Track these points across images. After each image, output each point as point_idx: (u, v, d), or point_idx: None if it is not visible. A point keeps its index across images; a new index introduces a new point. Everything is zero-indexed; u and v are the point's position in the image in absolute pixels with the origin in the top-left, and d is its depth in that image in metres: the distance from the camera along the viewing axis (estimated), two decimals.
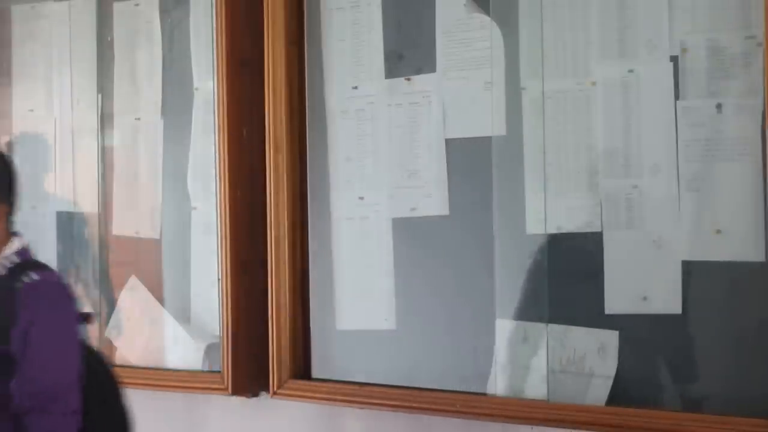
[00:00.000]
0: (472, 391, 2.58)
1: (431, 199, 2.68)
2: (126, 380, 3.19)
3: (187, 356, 3.10)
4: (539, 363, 2.52)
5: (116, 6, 3.30)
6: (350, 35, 2.84)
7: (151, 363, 3.19)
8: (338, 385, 2.78)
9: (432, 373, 2.66)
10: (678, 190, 2.38)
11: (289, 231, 2.86)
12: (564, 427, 2.47)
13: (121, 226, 3.29)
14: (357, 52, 2.82)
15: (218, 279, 2.97)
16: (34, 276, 2.19)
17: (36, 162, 3.48)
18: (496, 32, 2.61)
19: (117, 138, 3.31)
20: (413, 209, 2.71)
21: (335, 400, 2.77)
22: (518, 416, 2.50)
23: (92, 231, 3.35)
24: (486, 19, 2.63)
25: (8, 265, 2.22)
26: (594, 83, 2.48)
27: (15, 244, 2.27)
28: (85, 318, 2.47)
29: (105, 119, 3.33)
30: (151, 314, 3.20)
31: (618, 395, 2.45)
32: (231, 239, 2.94)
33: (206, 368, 3.05)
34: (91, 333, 3.34)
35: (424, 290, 2.70)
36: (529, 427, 2.51)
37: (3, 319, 2.11)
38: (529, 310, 2.53)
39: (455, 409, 2.57)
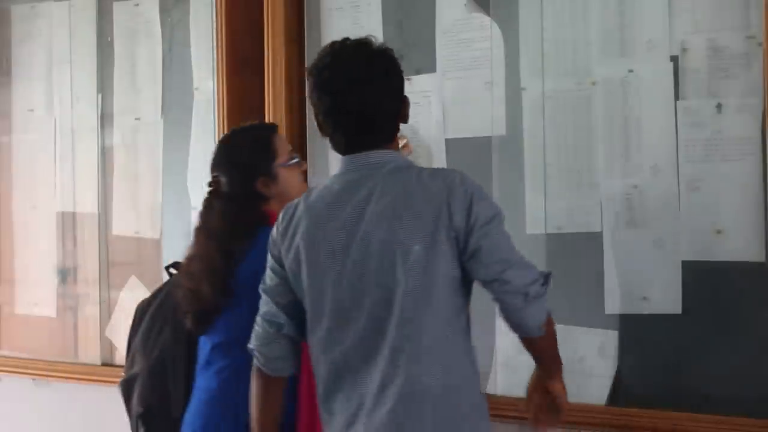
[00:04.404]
0: None
1: None
2: None
3: None
4: None
5: (116, 6, 3.30)
6: (350, 35, 2.83)
7: None
8: None
9: None
10: (678, 190, 2.38)
11: None
12: (564, 427, 2.47)
13: (121, 226, 3.29)
14: None
15: None
16: None
17: (36, 162, 3.48)
18: (496, 32, 2.61)
19: (117, 138, 3.31)
20: None
21: None
22: (518, 416, 2.50)
23: (92, 231, 3.35)
24: (486, 19, 2.63)
25: None
26: (594, 83, 2.48)
27: None
28: None
29: (105, 119, 3.33)
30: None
31: (618, 395, 2.45)
32: None
33: None
34: (92, 332, 3.36)
35: None
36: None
37: None
38: None
39: None
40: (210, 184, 2.38)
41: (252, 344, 2.06)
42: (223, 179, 2.35)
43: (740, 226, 2.32)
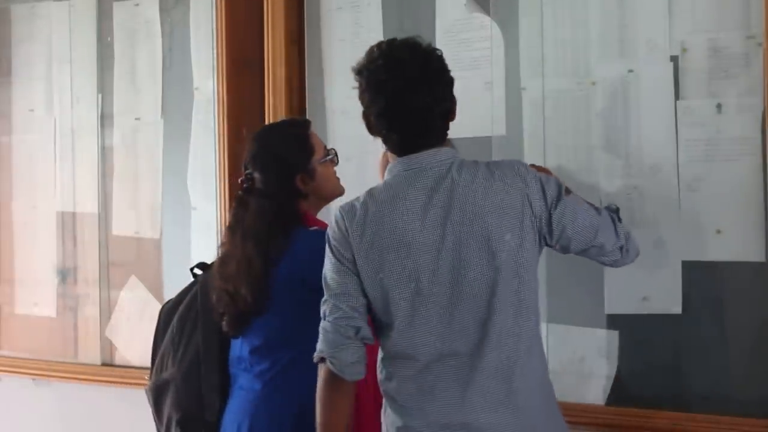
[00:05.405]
0: None
1: None
2: (126, 380, 3.20)
3: None
4: None
5: (116, 6, 3.30)
6: (350, 35, 2.84)
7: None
8: None
9: None
10: (678, 190, 2.38)
11: None
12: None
13: (121, 226, 3.29)
14: (357, 52, 2.81)
15: None
16: None
17: (36, 162, 3.48)
18: (496, 32, 2.61)
19: (117, 138, 3.31)
20: None
21: None
22: None
23: (92, 231, 3.35)
24: (486, 19, 2.63)
25: None
26: (594, 83, 2.48)
27: None
28: None
29: (105, 119, 3.33)
30: (151, 314, 3.20)
31: (618, 395, 2.45)
32: None
33: None
34: (92, 332, 3.36)
35: None
36: None
37: None
38: None
39: None
40: (243, 182, 2.35)
41: (324, 352, 2.01)
42: (258, 176, 2.32)
43: (740, 226, 2.32)
